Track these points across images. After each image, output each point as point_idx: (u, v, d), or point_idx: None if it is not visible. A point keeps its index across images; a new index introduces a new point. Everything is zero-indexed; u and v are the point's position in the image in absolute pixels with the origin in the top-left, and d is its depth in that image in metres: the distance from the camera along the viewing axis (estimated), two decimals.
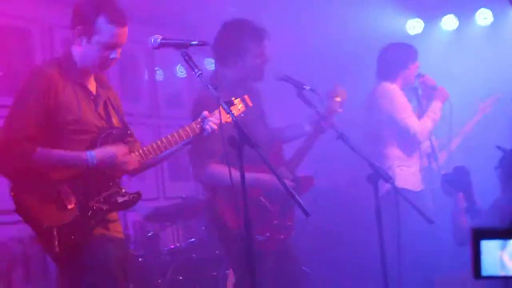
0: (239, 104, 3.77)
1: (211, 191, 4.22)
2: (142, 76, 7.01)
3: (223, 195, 4.06)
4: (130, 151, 3.46)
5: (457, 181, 4.39)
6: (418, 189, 5.31)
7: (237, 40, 4.20)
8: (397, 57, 5.38)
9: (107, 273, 3.33)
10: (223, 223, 4.09)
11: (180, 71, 7.45)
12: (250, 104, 3.85)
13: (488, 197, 4.29)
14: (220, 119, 3.28)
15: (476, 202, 4.34)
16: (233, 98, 3.70)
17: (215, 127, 3.53)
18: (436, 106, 5.29)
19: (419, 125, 5.20)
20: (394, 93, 5.29)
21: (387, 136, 5.30)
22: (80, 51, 3.42)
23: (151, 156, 3.48)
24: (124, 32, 3.40)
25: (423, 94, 5.46)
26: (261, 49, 4.24)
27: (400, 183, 5.10)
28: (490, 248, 1.60)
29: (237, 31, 4.22)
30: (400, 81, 5.37)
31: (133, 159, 3.44)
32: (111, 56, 3.40)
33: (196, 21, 6.72)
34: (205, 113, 3.56)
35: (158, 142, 3.49)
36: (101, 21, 3.32)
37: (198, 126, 3.55)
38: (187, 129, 3.54)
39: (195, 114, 3.80)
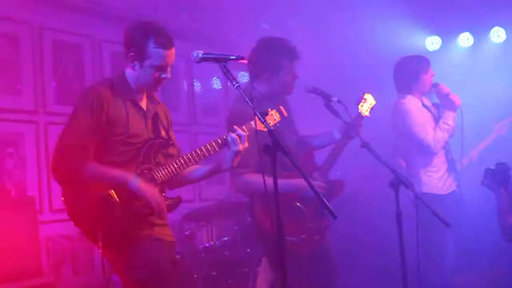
0: (275, 115, 3.73)
1: (250, 196, 4.24)
2: (182, 87, 7.08)
3: (260, 200, 4.10)
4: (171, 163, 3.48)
5: (500, 176, 4.31)
6: (447, 192, 5.15)
7: (274, 56, 4.22)
8: (408, 69, 5.25)
9: (154, 271, 3.34)
10: (260, 225, 4.12)
11: (216, 83, 7.49)
12: (286, 115, 3.81)
13: None
14: (256, 129, 3.27)
15: None
16: (269, 110, 3.68)
17: (237, 139, 3.45)
18: (447, 116, 5.13)
19: (432, 137, 5.05)
20: (407, 108, 5.14)
21: (410, 146, 5.21)
22: (134, 74, 3.47)
23: (183, 167, 3.48)
24: (172, 53, 3.45)
25: (440, 103, 5.30)
26: (293, 67, 4.26)
27: (426, 188, 5.06)
28: None
29: (275, 48, 4.25)
30: (415, 92, 5.24)
31: (164, 210, 3.42)
32: (163, 76, 3.45)
33: (231, 36, 6.76)
34: (234, 126, 3.52)
35: (188, 155, 3.48)
36: (151, 46, 3.37)
37: (222, 138, 3.50)
38: (213, 143, 3.50)
39: (231, 125, 3.81)
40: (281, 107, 3.82)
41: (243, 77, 5.94)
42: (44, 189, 5.44)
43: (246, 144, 3.49)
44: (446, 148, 5.25)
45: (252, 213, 4.23)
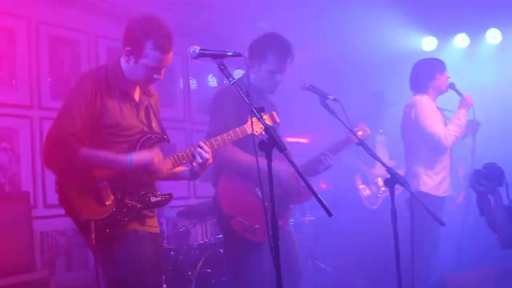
0: (267, 119, 3.74)
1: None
2: (178, 85, 7.07)
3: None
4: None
5: (493, 176, 3.99)
6: (443, 195, 5.35)
7: (260, 47, 4.29)
8: (425, 70, 5.45)
9: (137, 268, 3.33)
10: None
11: (211, 80, 7.49)
12: (277, 121, 3.83)
13: None
14: (252, 127, 3.25)
15: None
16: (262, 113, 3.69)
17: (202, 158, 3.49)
18: (460, 113, 5.32)
19: (444, 131, 5.23)
20: (422, 103, 5.34)
21: (417, 143, 5.32)
22: (127, 67, 3.44)
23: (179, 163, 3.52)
24: (169, 57, 3.42)
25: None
26: (280, 66, 4.29)
27: (425, 187, 5.18)
28: None
29: (264, 40, 4.31)
30: (431, 92, 5.43)
31: (167, 164, 3.47)
32: (155, 76, 3.43)
33: (228, 34, 6.75)
34: (201, 143, 3.53)
35: (182, 152, 3.52)
36: (148, 47, 3.33)
37: (190, 151, 3.53)
38: (184, 154, 3.53)
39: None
40: (273, 112, 3.83)
41: (239, 75, 5.92)
42: (39, 185, 5.42)
43: (210, 161, 3.52)
44: (450, 154, 5.39)
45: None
